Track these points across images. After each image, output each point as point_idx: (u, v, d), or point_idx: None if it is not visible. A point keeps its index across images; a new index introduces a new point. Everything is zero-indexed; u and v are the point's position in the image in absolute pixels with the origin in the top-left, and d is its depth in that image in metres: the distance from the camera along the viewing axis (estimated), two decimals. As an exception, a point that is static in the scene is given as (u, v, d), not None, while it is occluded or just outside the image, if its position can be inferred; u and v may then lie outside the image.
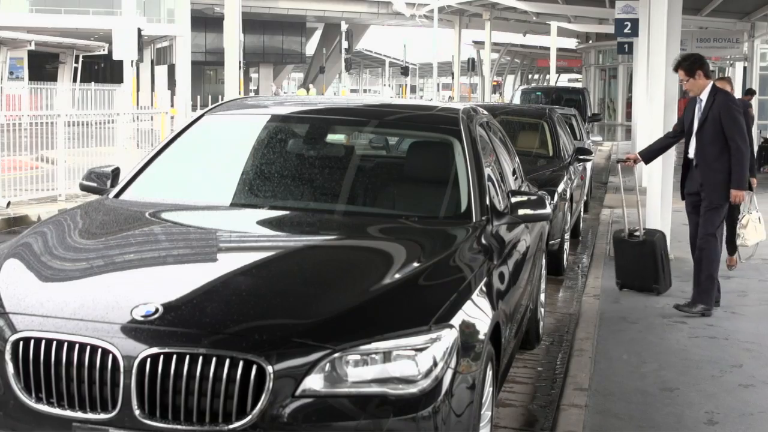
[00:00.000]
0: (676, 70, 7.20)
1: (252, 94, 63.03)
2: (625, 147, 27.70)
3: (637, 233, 7.94)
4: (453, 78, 55.76)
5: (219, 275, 3.60)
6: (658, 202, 9.42)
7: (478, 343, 3.51)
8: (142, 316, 3.18)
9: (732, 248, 8.21)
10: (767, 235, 7.93)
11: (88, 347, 3.11)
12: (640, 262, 7.82)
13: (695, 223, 7.20)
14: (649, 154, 7.78)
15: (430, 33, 63.23)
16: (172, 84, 41.80)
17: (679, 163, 7.57)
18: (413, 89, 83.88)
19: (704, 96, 7.05)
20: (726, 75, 9.15)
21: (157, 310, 3.20)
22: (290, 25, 71.50)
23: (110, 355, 3.09)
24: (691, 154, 7.12)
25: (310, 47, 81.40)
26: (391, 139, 5.81)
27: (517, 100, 22.31)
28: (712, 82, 7.10)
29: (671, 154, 9.11)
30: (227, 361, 3.05)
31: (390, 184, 4.90)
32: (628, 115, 37.51)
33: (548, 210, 4.72)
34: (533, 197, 4.73)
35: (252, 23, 63.55)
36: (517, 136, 10.34)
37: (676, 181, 8.26)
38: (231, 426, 3.02)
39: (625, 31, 20.35)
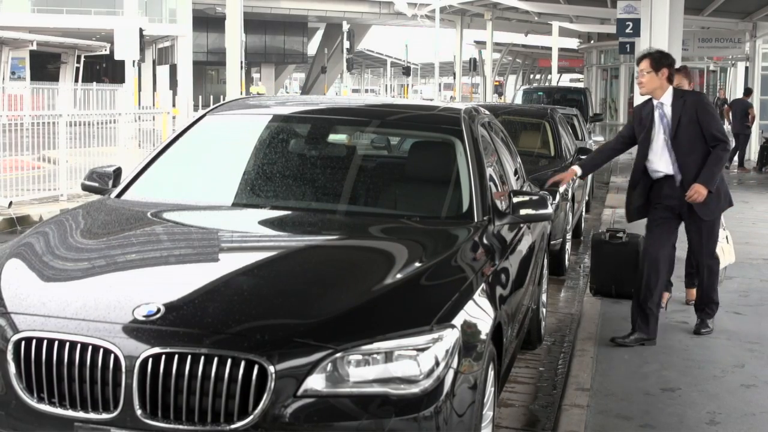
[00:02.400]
0: (639, 61, 6.32)
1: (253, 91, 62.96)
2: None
3: (619, 235, 7.64)
4: (455, 78, 55.71)
5: (221, 275, 3.60)
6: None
7: (479, 343, 3.51)
8: (144, 316, 3.18)
9: (690, 279, 7.20)
10: (735, 256, 7.20)
11: (90, 347, 3.12)
12: (620, 264, 7.41)
13: (660, 237, 6.29)
14: (590, 168, 6.89)
15: (431, 33, 63.27)
16: (173, 84, 41.82)
17: None
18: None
19: (666, 100, 6.18)
20: (684, 65, 8.22)
21: (158, 310, 3.20)
22: (292, 25, 71.53)
23: (112, 355, 3.09)
24: (662, 168, 6.20)
25: (312, 47, 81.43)
26: (392, 139, 5.82)
27: (518, 100, 22.31)
28: (671, 87, 6.24)
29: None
30: (229, 361, 3.05)
31: (392, 184, 4.90)
32: (630, 115, 37.47)
33: (550, 210, 4.72)
34: (535, 197, 4.73)
35: (254, 23, 63.60)
36: (519, 136, 10.34)
37: None
38: (233, 426, 3.03)
39: (627, 31, 20.32)
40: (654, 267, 6.25)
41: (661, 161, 6.21)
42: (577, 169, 6.59)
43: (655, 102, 6.23)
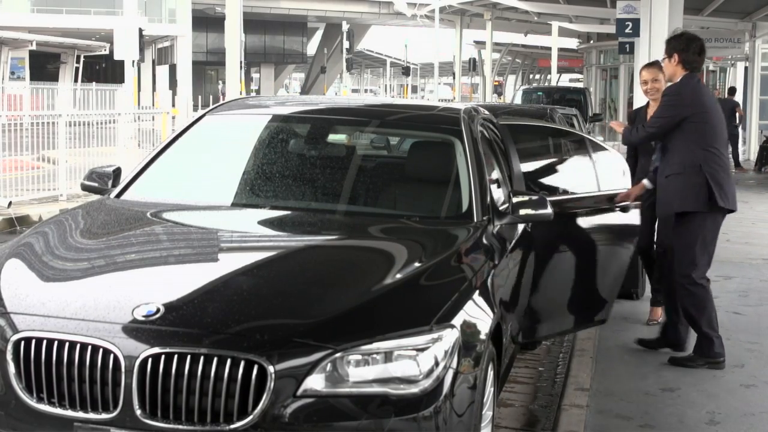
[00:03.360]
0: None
1: (253, 93, 63.04)
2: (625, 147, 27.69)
3: None
4: (454, 78, 55.69)
5: (220, 275, 3.60)
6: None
7: (479, 343, 3.51)
8: (144, 316, 3.18)
9: (656, 296, 6.82)
10: None
11: (90, 347, 3.12)
12: None
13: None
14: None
15: (431, 33, 63.20)
16: (173, 84, 41.83)
17: None
18: (414, 89, 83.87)
19: None
20: (657, 60, 7.44)
21: (158, 310, 3.20)
22: (291, 25, 71.51)
23: (111, 355, 3.09)
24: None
25: (312, 47, 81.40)
26: (392, 139, 5.81)
27: (518, 100, 22.31)
28: (684, 74, 5.76)
29: None
30: (228, 361, 3.05)
31: (391, 184, 4.90)
32: (628, 116, 37.41)
33: (549, 210, 4.70)
34: (534, 197, 4.72)
35: (253, 23, 63.57)
36: (519, 136, 10.31)
37: None
38: (232, 426, 3.03)
39: (627, 31, 20.32)
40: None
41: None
42: (647, 183, 6.04)
43: None
